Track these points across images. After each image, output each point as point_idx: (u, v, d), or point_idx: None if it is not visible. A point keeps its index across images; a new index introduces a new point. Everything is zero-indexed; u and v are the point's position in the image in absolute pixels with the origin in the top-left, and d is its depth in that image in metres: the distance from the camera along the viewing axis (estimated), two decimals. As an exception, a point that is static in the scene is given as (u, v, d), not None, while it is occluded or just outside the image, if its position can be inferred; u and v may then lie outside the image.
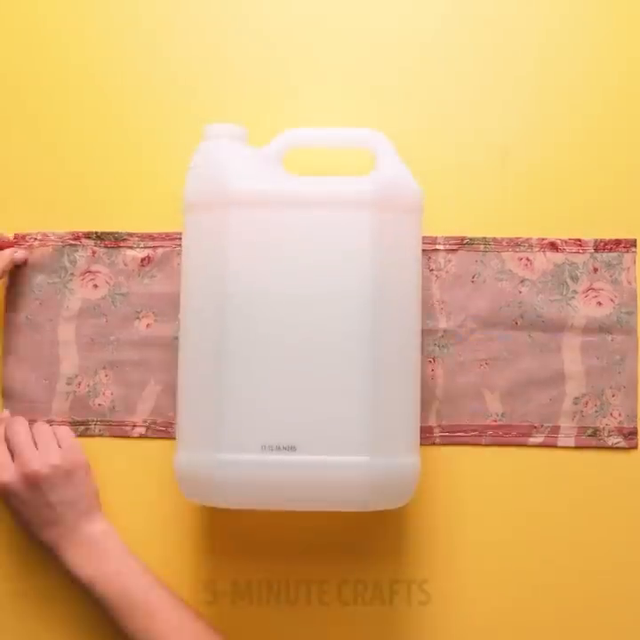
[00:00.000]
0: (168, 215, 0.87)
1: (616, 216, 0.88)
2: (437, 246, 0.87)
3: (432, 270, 0.87)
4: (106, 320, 0.88)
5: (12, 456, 0.82)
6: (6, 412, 0.86)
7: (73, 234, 0.89)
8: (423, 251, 0.83)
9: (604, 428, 0.86)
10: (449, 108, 0.89)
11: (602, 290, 0.87)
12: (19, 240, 0.88)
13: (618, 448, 0.86)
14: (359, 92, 0.90)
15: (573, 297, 0.87)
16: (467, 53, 0.90)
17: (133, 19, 0.91)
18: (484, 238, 0.87)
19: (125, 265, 0.88)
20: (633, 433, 0.86)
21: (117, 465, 0.87)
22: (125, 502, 0.87)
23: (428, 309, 0.86)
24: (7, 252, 0.86)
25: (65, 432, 0.85)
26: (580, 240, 0.87)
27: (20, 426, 0.83)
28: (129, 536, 0.86)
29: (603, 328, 0.86)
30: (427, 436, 0.86)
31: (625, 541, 0.86)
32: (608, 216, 0.88)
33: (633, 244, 0.87)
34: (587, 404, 0.86)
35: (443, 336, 0.87)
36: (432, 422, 0.87)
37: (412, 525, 0.87)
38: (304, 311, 0.76)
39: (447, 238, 0.87)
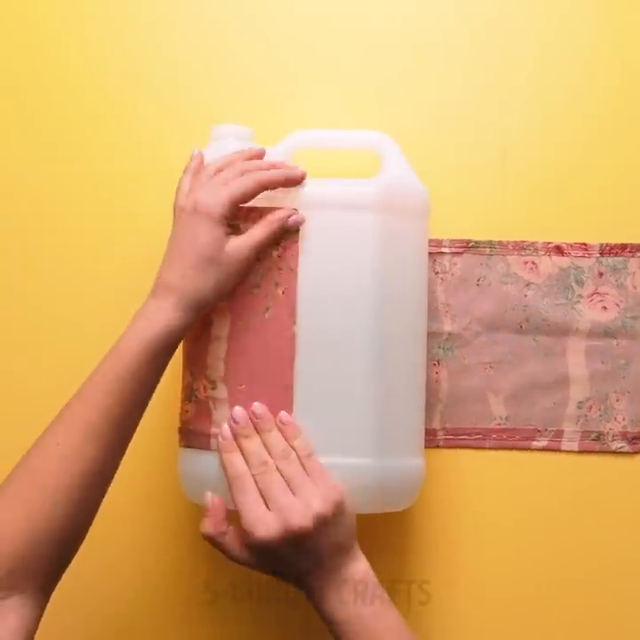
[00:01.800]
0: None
1: (622, 220, 0.88)
2: (443, 249, 0.87)
3: (437, 273, 0.87)
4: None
5: (264, 499, 0.72)
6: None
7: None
8: (428, 253, 0.83)
9: (608, 433, 0.86)
10: (454, 109, 0.89)
11: (607, 294, 0.87)
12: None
13: (621, 452, 0.86)
14: (364, 93, 0.90)
15: (578, 301, 0.87)
16: (473, 54, 0.89)
17: (139, 19, 0.91)
18: (490, 242, 0.87)
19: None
20: (637, 437, 0.86)
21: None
22: (125, 502, 0.87)
23: (432, 312, 0.86)
24: (281, 213, 0.76)
25: (315, 464, 0.74)
26: (585, 244, 0.87)
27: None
28: (129, 536, 0.87)
29: (607, 332, 0.86)
30: (430, 439, 0.86)
31: (628, 546, 0.87)
32: (614, 220, 0.88)
33: (639, 248, 0.87)
34: (591, 408, 0.86)
35: (447, 339, 0.87)
36: (436, 425, 0.87)
37: (412, 526, 0.87)
38: (309, 313, 0.76)
39: (452, 241, 0.87)
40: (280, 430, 0.74)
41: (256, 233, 0.74)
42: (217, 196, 0.72)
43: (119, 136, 0.90)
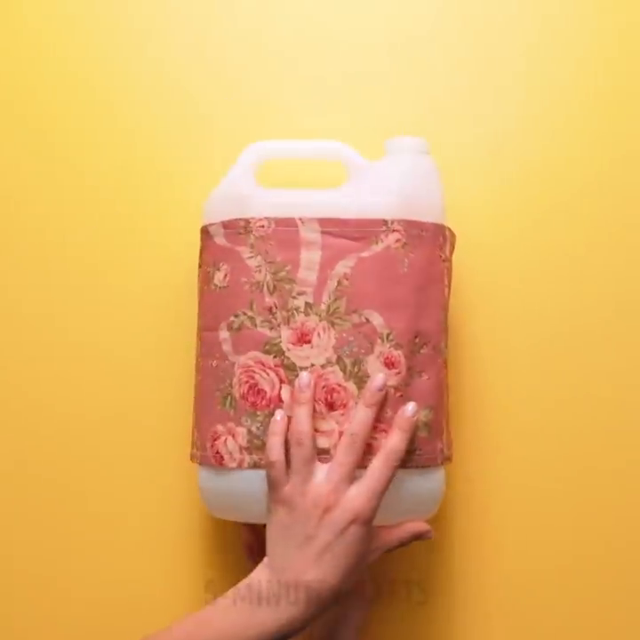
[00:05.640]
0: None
1: (619, 218, 0.87)
2: None
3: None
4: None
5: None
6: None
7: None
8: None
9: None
10: (449, 108, 0.89)
11: None
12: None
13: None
14: (360, 96, 0.90)
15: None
16: (466, 53, 0.89)
17: (134, 20, 0.91)
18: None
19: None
20: None
21: (117, 465, 0.88)
22: (125, 503, 0.88)
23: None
24: (417, 527, 0.76)
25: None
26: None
27: None
28: (129, 537, 0.88)
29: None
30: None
31: (631, 540, 0.86)
32: (611, 218, 0.87)
33: None
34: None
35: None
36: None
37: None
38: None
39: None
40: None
41: (392, 540, 0.74)
42: (371, 502, 0.70)
43: (110, 140, 0.90)
